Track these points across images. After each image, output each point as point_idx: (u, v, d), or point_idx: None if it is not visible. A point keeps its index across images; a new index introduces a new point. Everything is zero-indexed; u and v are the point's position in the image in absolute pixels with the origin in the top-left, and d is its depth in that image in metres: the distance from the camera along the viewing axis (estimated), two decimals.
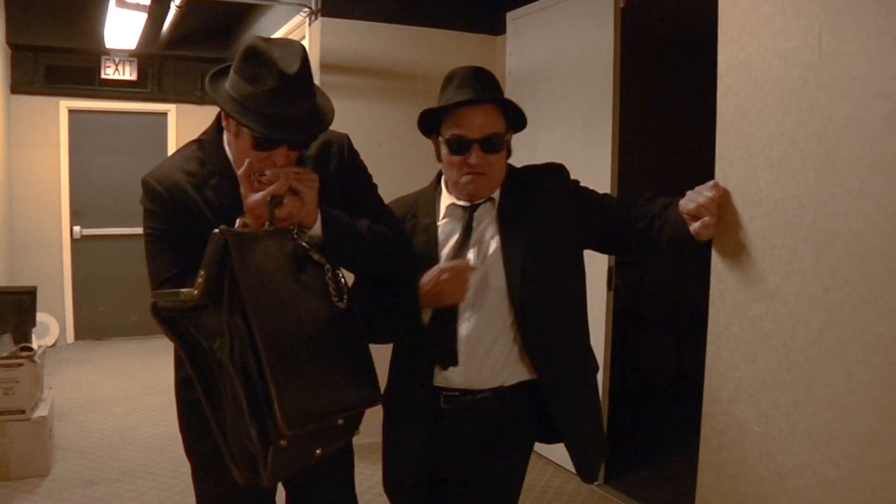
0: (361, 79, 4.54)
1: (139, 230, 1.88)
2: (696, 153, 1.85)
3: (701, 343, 1.97)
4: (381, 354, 2.00)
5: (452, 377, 1.90)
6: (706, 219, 1.75)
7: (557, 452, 3.53)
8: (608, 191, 3.70)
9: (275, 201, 1.65)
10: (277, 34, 5.34)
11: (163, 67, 7.29)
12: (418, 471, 2.03)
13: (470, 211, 1.96)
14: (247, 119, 1.64)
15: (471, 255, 1.92)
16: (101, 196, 7.11)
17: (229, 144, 1.82)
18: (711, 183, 1.82)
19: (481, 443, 1.93)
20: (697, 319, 1.93)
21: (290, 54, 1.66)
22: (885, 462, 1.48)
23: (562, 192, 1.98)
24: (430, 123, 1.95)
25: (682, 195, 1.84)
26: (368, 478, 3.83)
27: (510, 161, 2.03)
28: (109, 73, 7.12)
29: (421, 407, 1.96)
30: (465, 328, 1.89)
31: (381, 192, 2.09)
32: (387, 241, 1.90)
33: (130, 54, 7.06)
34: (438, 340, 1.90)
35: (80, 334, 7.30)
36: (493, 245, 1.92)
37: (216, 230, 1.53)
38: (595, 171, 3.79)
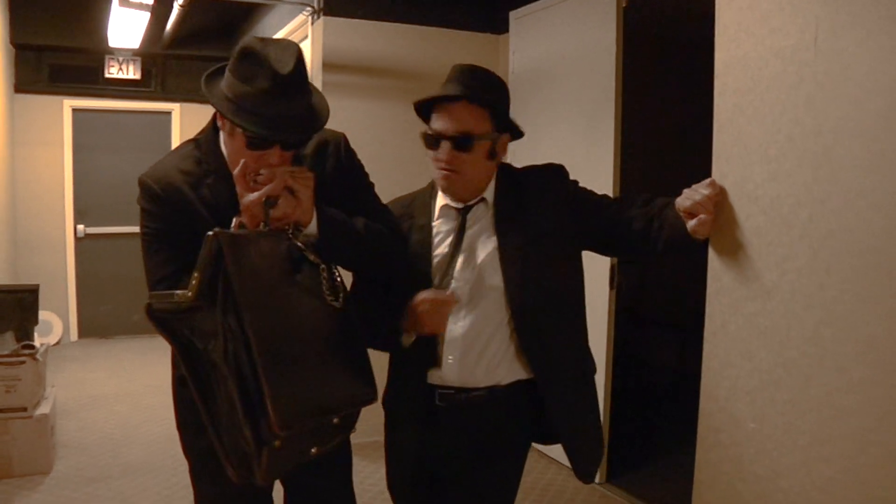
0: (364, 78, 4.54)
1: None
2: (699, 152, 1.84)
3: (702, 341, 1.97)
4: (381, 353, 2.00)
5: (447, 375, 1.91)
6: (702, 216, 1.75)
7: (559, 451, 3.55)
8: (610, 190, 3.71)
9: (270, 202, 1.66)
10: (280, 33, 5.35)
11: (166, 66, 7.30)
12: (416, 469, 2.04)
13: (463, 213, 1.96)
14: (240, 119, 1.65)
15: (461, 260, 1.92)
16: (104, 195, 7.12)
17: (225, 144, 1.82)
18: (708, 181, 1.82)
19: (477, 442, 1.93)
20: (699, 318, 1.92)
21: (284, 54, 1.66)
22: (879, 460, 1.48)
23: (560, 193, 1.98)
24: (427, 116, 1.96)
25: (680, 194, 1.84)
26: (370, 475, 3.84)
27: (508, 161, 2.03)
28: (113, 72, 7.13)
29: (417, 405, 1.97)
30: (460, 326, 1.90)
31: (383, 191, 2.10)
32: (383, 240, 1.90)
33: (134, 53, 7.07)
34: (426, 339, 1.91)
35: (83, 332, 7.31)
36: (490, 245, 1.92)
37: (210, 232, 1.55)
38: (597, 170, 3.79)
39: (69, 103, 7.10)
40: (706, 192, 1.77)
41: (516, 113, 4.43)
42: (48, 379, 4.57)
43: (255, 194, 1.67)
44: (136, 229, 1.87)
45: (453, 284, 1.91)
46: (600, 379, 3.82)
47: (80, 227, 7.17)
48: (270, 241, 1.66)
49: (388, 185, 2.15)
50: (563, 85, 4.11)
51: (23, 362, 3.98)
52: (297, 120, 1.70)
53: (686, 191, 1.81)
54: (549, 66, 4.23)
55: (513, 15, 4.55)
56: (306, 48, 4.85)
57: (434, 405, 1.95)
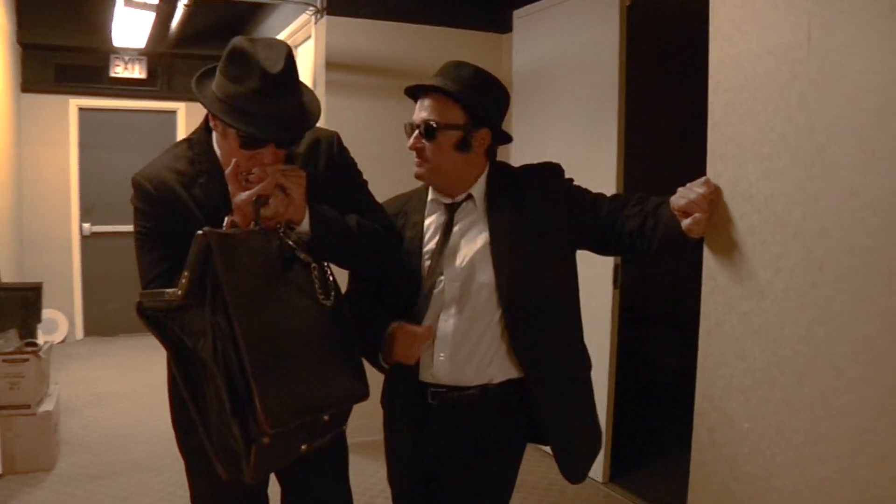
0: (367, 77, 4.55)
1: None
2: (701, 151, 1.84)
3: None
4: None
5: (438, 373, 1.91)
6: (697, 215, 1.74)
7: None
8: (613, 188, 3.70)
9: (260, 201, 1.68)
10: (284, 32, 5.37)
11: (172, 66, 7.33)
12: (412, 468, 2.04)
13: (451, 209, 1.97)
14: (232, 119, 1.66)
15: (450, 256, 1.93)
16: (110, 193, 7.15)
17: (218, 144, 1.83)
18: (703, 179, 1.81)
19: (471, 441, 1.93)
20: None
21: (274, 54, 1.67)
22: (872, 460, 1.47)
23: (555, 191, 1.98)
24: None
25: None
26: (373, 475, 3.85)
27: (512, 160, 2.03)
28: (119, 71, 7.17)
29: (410, 403, 1.97)
30: (450, 324, 1.90)
31: (386, 189, 2.12)
32: (376, 237, 1.91)
33: (140, 53, 7.11)
34: None
35: (88, 331, 7.35)
36: (481, 241, 1.92)
37: (199, 231, 1.56)
38: (600, 169, 3.79)
39: (75, 102, 7.14)
40: (701, 190, 1.77)
41: (519, 112, 4.48)
42: (52, 376, 4.59)
43: (247, 193, 1.68)
44: None
45: (442, 280, 1.91)
46: (603, 378, 3.83)
47: (86, 225, 7.21)
48: (261, 240, 1.67)
49: (391, 184, 2.16)
50: (566, 84, 4.11)
51: (26, 360, 4.01)
52: (288, 119, 1.71)
53: (681, 189, 1.80)
54: (552, 65, 4.23)
55: (516, 14, 4.55)
56: (309, 47, 4.86)
57: (427, 404, 1.95)
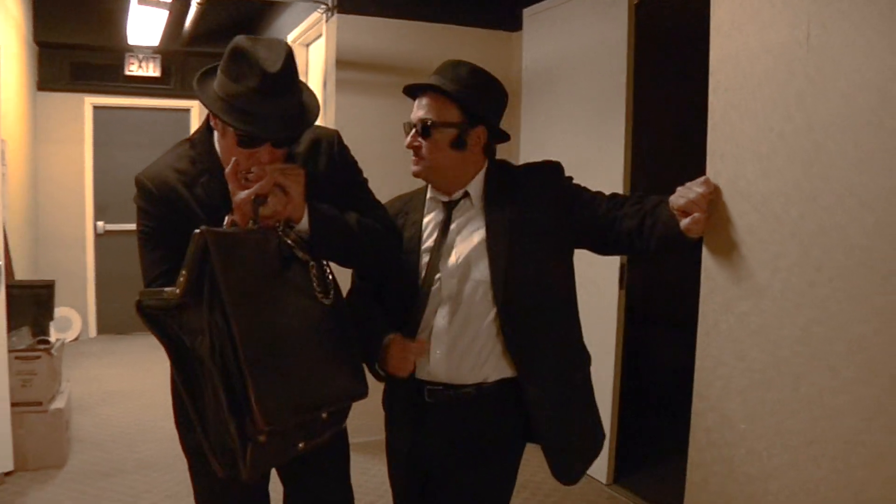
0: (377, 75, 4.55)
1: None
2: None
3: None
4: None
5: (434, 370, 1.91)
6: (696, 215, 1.73)
7: None
8: (620, 187, 3.68)
9: (259, 200, 1.68)
10: (296, 31, 5.38)
11: (186, 64, 7.36)
12: (409, 465, 2.04)
13: (449, 206, 1.97)
14: (230, 117, 1.67)
15: (447, 254, 1.93)
16: (124, 192, 7.10)
17: (219, 143, 1.84)
18: (702, 179, 1.80)
19: (467, 440, 1.93)
20: None
21: (273, 53, 1.68)
22: (866, 461, 1.46)
23: (554, 189, 1.98)
24: None
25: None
26: (375, 474, 3.85)
27: (520, 158, 2.03)
28: (133, 69, 7.21)
29: (408, 401, 1.98)
30: (446, 321, 1.90)
31: (395, 188, 2.13)
32: (376, 235, 1.91)
33: (154, 51, 7.15)
34: (417, 338, 1.92)
35: (101, 329, 7.40)
36: (477, 238, 1.92)
37: (197, 230, 1.57)
38: (608, 167, 3.78)
39: (90, 101, 7.19)
40: (700, 190, 1.75)
41: (528, 110, 4.46)
42: (65, 374, 4.63)
43: (246, 192, 1.69)
44: None
45: (439, 278, 1.92)
46: (607, 379, 3.81)
47: (100, 223, 7.26)
48: (259, 239, 1.68)
49: (400, 182, 2.16)
50: (575, 82, 4.09)
51: (38, 357, 4.03)
52: (286, 118, 1.71)
53: (680, 189, 1.79)
54: (562, 63, 4.21)
55: (526, 12, 4.53)
56: (320, 46, 4.87)
57: (424, 402, 1.95)
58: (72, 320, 7.14)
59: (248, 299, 1.57)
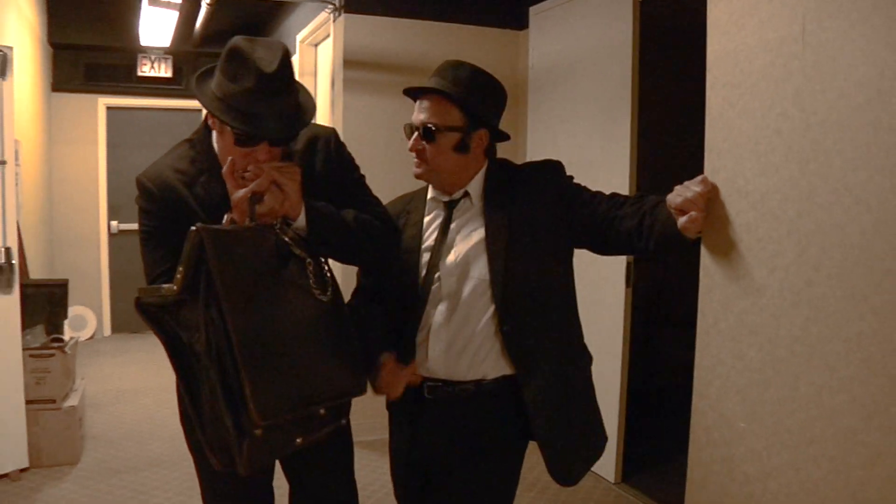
0: (385, 75, 4.56)
1: None
2: None
3: None
4: None
5: (433, 366, 1.92)
6: (693, 213, 1.71)
7: None
8: (626, 186, 3.68)
9: (256, 198, 1.70)
10: (304, 31, 5.41)
11: (197, 64, 7.40)
12: (409, 462, 2.05)
13: (449, 206, 1.98)
14: (227, 117, 1.69)
15: (447, 252, 1.94)
16: (136, 192, 7.23)
17: (217, 142, 1.87)
18: (700, 177, 1.78)
19: (467, 437, 1.93)
20: None
21: (270, 54, 1.70)
22: (865, 461, 1.45)
23: (554, 189, 1.98)
24: None
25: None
26: (380, 472, 3.87)
27: (523, 157, 2.03)
28: (146, 70, 7.27)
29: (408, 398, 1.97)
30: (444, 318, 1.91)
31: (403, 186, 2.14)
32: (373, 231, 1.93)
33: (166, 52, 7.20)
34: (413, 331, 1.94)
35: (116, 327, 7.46)
36: (476, 237, 1.93)
37: (192, 227, 1.59)
38: (614, 166, 3.78)
39: (104, 101, 7.26)
40: (697, 188, 1.74)
41: (535, 109, 4.46)
42: (79, 372, 4.68)
43: (243, 190, 1.71)
44: None
45: (439, 276, 1.92)
46: (615, 378, 3.81)
47: (114, 223, 7.32)
48: (256, 236, 1.70)
49: (407, 181, 2.16)
50: (582, 80, 4.09)
51: (52, 355, 4.08)
52: (283, 117, 1.73)
53: (677, 187, 1.78)
54: (568, 62, 4.21)
55: (532, 10, 4.52)
56: (329, 46, 4.89)
57: (424, 399, 1.96)
58: (87, 319, 7.21)
59: (243, 295, 1.59)
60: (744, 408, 1.72)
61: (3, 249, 3.77)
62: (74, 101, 7.13)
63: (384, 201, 2.09)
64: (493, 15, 4.76)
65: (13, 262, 3.81)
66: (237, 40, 1.73)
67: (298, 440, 1.71)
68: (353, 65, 4.53)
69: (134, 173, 1.91)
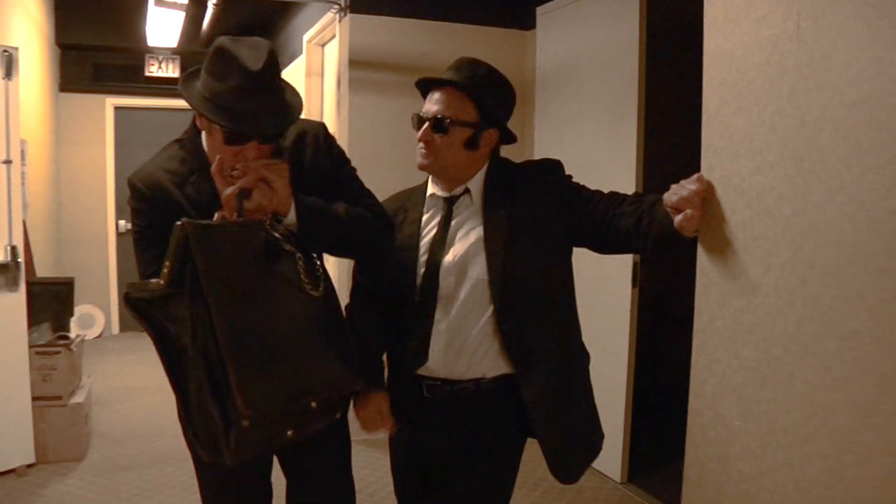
0: (391, 75, 4.57)
1: None
2: None
3: None
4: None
5: (433, 366, 1.92)
6: (688, 211, 1.71)
7: None
8: (633, 185, 3.68)
9: (243, 194, 1.71)
10: (311, 31, 5.43)
11: None
12: (409, 460, 2.06)
13: (449, 202, 1.98)
14: (216, 116, 1.71)
15: (452, 254, 1.94)
16: None
17: (206, 142, 1.89)
18: (696, 176, 1.78)
19: (466, 435, 1.94)
20: None
21: (255, 53, 1.72)
22: (859, 460, 1.44)
23: (554, 188, 1.98)
24: None
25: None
26: (379, 468, 3.88)
27: (522, 157, 2.04)
28: (153, 70, 7.30)
29: (407, 397, 1.99)
30: (444, 316, 1.91)
31: (408, 186, 2.15)
32: (365, 223, 1.94)
33: (173, 52, 7.23)
34: (415, 335, 1.94)
35: (124, 326, 7.51)
36: (475, 236, 1.93)
37: (178, 223, 1.60)
38: (622, 166, 3.78)
39: (111, 101, 7.31)
40: (693, 187, 1.74)
41: (542, 109, 4.45)
42: (87, 370, 4.71)
43: (231, 188, 1.73)
44: None
45: (437, 275, 1.92)
46: (621, 378, 3.81)
47: (122, 222, 7.37)
48: (245, 232, 1.71)
49: (412, 181, 2.17)
50: (589, 80, 4.08)
51: (58, 352, 4.11)
52: (271, 114, 1.75)
53: (674, 186, 1.77)
54: (575, 62, 4.21)
55: (539, 10, 4.52)
56: (335, 46, 4.91)
57: (423, 398, 1.96)
58: (95, 317, 7.25)
59: (229, 290, 1.61)
60: (739, 406, 1.72)
61: (9, 248, 3.80)
62: (82, 102, 7.18)
63: None
64: (499, 15, 4.76)
65: (19, 260, 3.84)
66: (222, 40, 1.76)
67: (289, 433, 1.71)
68: (358, 65, 4.54)
69: None
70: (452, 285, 1.91)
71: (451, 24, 4.68)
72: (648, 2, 3.69)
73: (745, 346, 1.70)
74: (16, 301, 3.87)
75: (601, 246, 1.99)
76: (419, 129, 1.95)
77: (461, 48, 4.61)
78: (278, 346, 1.66)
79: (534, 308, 1.91)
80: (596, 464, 4.01)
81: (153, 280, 1.65)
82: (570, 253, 2.02)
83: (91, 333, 7.15)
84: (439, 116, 1.91)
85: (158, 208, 1.84)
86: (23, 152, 4.75)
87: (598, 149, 3.95)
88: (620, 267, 3.78)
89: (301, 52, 5.83)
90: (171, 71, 7.33)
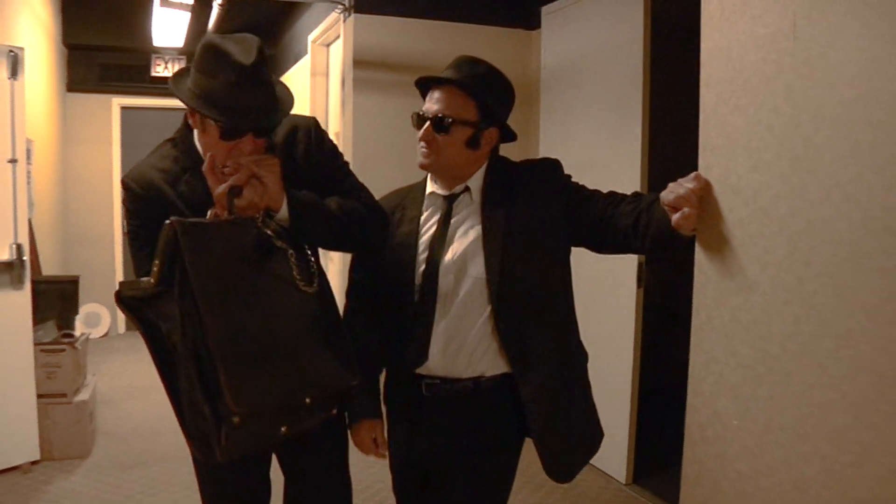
0: (395, 74, 4.58)
1: None
2: None
3: None
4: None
5: (432, 364, 1.92)
6: (686, 210, 1.70)
7: None
8: (638, 185, 3.67)
9: (234, 191, 1.71)
10: (316, 31, 5.44)
11: None
12: (408, 459, 2.06)
13: (449, 201, 1.98)
14: (211, 111, 1.71)
15: (451, 253, 1.93)
16: None
17: (199, 140, 1.89)
18: (693, 174, 1.77)
19: (465, 434, 1.94)
20: None
21: (245, 47, 1.73)
22: (855, 460, 1.44)
23: (553, 187, 1.98)
24: None
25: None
26: (377, 467, 3.87)
27: (527, 157, 2.04)
28: (160, 70, 7.33)
29: (406, 395, 1.99)
30: (440, 315, 1.91)
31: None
32: (358, 217, 1.94)
33: (179, 52, 7.26)
34: (414, 333, 1.94)
35: (130, 325, 7.51)
36: (473, 234, 1.93)
37: (167, 221, 1.61)
38: (627, 166, 3.78)
39: (118, 101, 7.34)
40: (690, 185, 1.73)
41: (547, 108, 4.45)
42: (93, 369, 4.73)
43: (223, 186, 1.73)
44: None
45: (436, 273, 1.92)
46: (626, 378, 3.80)
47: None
48: (236, 229, 1.71)
49: (416, 181, 2.17)
50: (594, 79, 4.08)
51: (63, 350, 4.14)
52: (264, 107, 1.76)
53: (671, 185, 1.77)
54: (580, 61, 4.21)
55: (544, 10, 4.51)
56: (340, 47, 4.92)
57: (422, 396, 1.96)
58: (101, 316, 7.28)
59: (220, 287, 1.61)
60: (736, 405, 1.72)
61: (14, 246, 3.82)
62: (89, 102, 7.22)
63: None
64: (504, 15, 4.76)
65: (24, 258, 3.86)
66: (210, 37, 1.76)
67: (283, 429, 1.71)
68: (362, 65, 4.55)
69: None
70: (452, 284, 1.91)
71: (455, 24, 4.68)
72: (653, 1, 3.69)
73: (742, 344, 1.70)
74: (21, 299, 3.90)
75: (599, 245, 1.98)
76: (420, 128, 1.95)
77: (466, 48, 4.58)
78: (271, 342, 1.66)
79: (532, 307, 1.91)
80: (600, 464, 4.01)
81: (144, 278, 1.66)
82: (569, 252, 2.01)
83: (97, 332, 7.18)
84: (441, 116, 1.90)
85: (152, 207, 1.85)
86: (29, 151, 4.78)
87: (602, 148, 3.95)
88: (625, 267, 3.78)
89: (306, 53, 5.84)
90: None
